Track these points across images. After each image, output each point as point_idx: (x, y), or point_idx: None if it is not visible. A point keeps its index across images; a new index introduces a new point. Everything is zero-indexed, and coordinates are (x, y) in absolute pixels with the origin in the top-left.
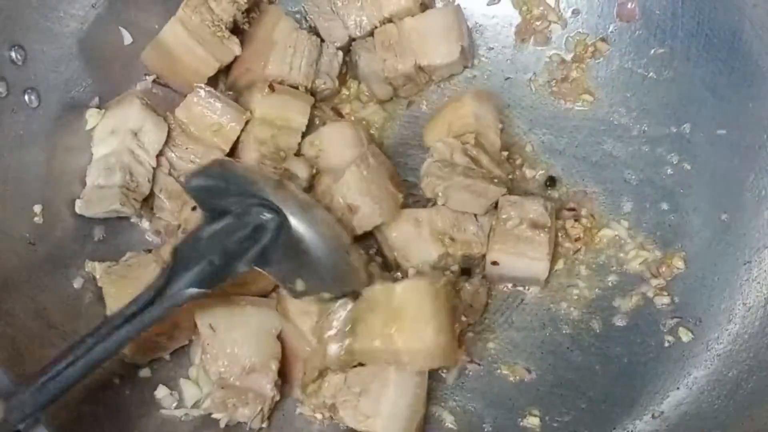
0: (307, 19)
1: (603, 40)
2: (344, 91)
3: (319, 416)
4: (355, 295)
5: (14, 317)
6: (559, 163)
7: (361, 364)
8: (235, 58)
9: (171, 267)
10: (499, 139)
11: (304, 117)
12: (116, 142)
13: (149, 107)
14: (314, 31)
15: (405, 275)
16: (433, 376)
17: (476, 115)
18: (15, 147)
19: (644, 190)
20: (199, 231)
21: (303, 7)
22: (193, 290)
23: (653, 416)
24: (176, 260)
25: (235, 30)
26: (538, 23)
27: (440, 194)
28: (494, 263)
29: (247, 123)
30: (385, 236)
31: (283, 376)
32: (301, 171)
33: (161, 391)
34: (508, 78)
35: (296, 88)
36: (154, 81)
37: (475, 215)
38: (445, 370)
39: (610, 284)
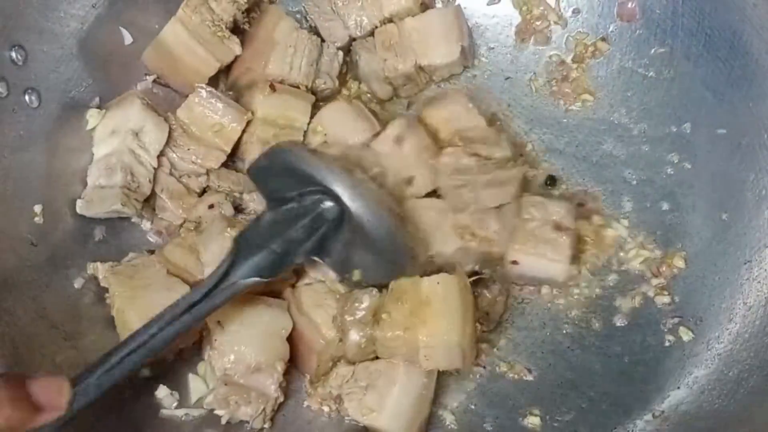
0: (308, 18)
1: (603, 39)
2: (344, 91)
3: (326, 409)
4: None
5: (14, 317)
6: (559, 163)
7: (374, 358)
8: (236, 58)
9: (233, 255)
10: (478, 116)
11: (306, 116)
12: (117, 142)
13: (150, 107)
14: (315, 30)
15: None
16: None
17: (445, 119)
18: (15, 147)
19: (644, 190)
20: (261, 219)
21: (303, 6)
22: (254, 279)
23: (654, 416)
24: (238, 248)
25: (236, 30)
26: (538, 23)
27: (470, 199)
28: (514, 263)
29: (248, 123)
30: (413, 218)
31: (296, 368)
32: None
33: (162, 391)
34: (508, 78)
35: (297, 87)
36: (154, 81)
37: (500, 214)
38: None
39: (610, 284)
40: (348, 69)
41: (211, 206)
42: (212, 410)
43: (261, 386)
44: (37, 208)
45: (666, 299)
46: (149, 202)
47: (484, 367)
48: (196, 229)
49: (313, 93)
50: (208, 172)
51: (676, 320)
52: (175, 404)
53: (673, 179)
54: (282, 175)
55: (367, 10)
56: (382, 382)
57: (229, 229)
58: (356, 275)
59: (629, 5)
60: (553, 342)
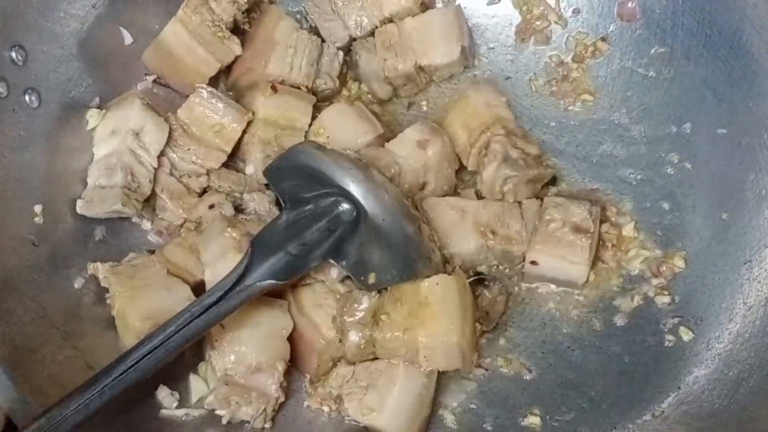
0: (308, 19)
1: (603, 39)
2: (344, 92)
3: (326, 409)
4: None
5: (15, 317)
6: (559, 163)
7: (374, 358)
8: (236, 59)
9: (249, 257)
10: (509, 111)
11: (307, 117)
12: (117, 142)
13: (150, 107)
14: (315, 31)
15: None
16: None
17: (486, 103)
18: (16, 147)
19: (644, 190)
20: (277, 221)
21: (303, 7)
22: (270, 282)
23: (654, 415)
24: (254, 250)
25: (236, 30)
26: (538, 23)
27: (509, 191)
28: (533, 263)
29: (249, 124)
30: (428, 219)
31: (296, 368)
32: None
33: (162, 391)
34: (508, 78)
35: (297, 88)
36: (154, 81)
37: (521, 213)
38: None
39: (610, 283)
40: (348, 69)
41: (211, 206)
42: (213, 410)
43: (262, 386)
44: (38, 208)
45: (666, 299)
46: (149, 202)
47: (485, 368)
48: (197, 229)
49: (314, 93)
50: (208, 172)
51: (676, 320)
52: (175, 404)
53: (673, 179)
54: (298, 176)
55: (367, 10)
56: (382, 382)
57: (229, 229)
58: (372, 278)
59: (629, 5)
60: (553, 342)
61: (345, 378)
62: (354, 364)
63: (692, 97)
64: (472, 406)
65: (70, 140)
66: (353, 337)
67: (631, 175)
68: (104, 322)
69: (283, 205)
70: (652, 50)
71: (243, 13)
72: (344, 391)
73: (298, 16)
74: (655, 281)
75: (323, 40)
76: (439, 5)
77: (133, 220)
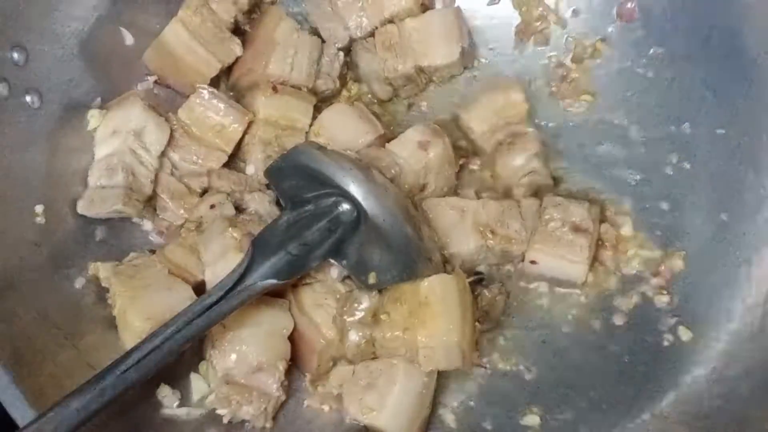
0: (308, 19)
1: (602, 40)
2: (344, 93)
3: (326, 408)
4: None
5: (15, 317)
6: (559, 163)
7: (374, 358)
8: (237, 59)
9: (250, 257)
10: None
11: (308, 117)
12: (118, 142)
13: (151, 108)
14: (315, 31)
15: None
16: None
17: (526, 101)
18: (16, 147)
19: (643, 190)
20: (278, 221)
21: (304, 7)
22: (270, 281)
23: (653, 415)
24: (255, 250)
25: (237, 31)
26: (537, 24)
27: (524, 185)
28: (533, 262)
29: (250, 124)
30: (428, 219)
31: (297, 368)
32: None
33: (163, 390)
34: (506, 78)
35: (298, 88)
36: (155, 81)
37: (521, 213)
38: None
39: (610, 283)
40: (348, 70)
41: (212, 206)
42: (214, 409)
43: (263, 385)
44: (38, 209)
45: (665, 299)
46: (150, 202)
47: (485, 368)
48: (197, 230)
49: (314, 94)
50: (209, 173)
51: (676, 320)
52: (176, 403)
53: (673, 179)
54: (299, 176)
55: (367, 11)
56: (382, 382)
57: (230, 229)
58: (372, 278)
59: (629, 5)
60: (553, 342)
61: (345, 377)
62: (354, 363)
63: (692, 97)
64: (472, 405)
65: (71, 140)
66: (353, 336)
67: (631, 176)
68: (105, 322)
69: (283, 205)
70: (652, 50)
71: (244, 13)
72: (344, 391)
73: (299, 16)
74: (654, 281)
75: (324, 41)
76: (439, 6)
77: (134, 220)
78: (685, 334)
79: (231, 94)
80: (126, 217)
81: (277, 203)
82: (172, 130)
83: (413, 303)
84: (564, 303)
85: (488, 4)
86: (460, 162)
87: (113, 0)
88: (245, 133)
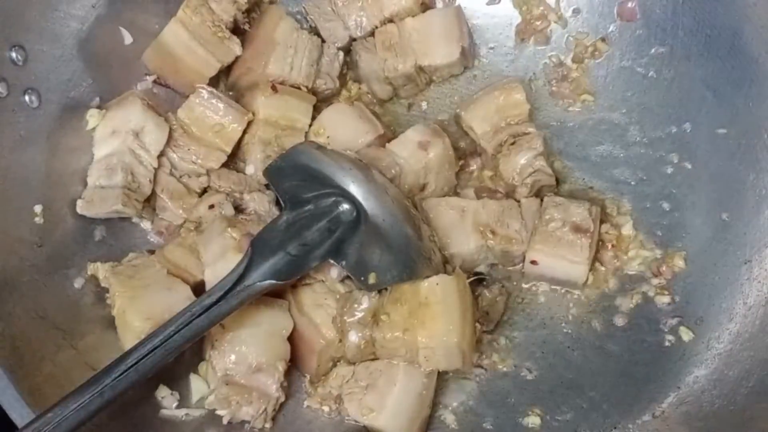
0: (308, 19)
1: (603, 39)
2: (344, 93)
3: (326, 409)
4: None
5: (14, 317)
6: (559, 163)
7: (374, 358)
8: (236, 59)
9: (249, 257)
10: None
11: (307, 117)
12: (117, 142)
13: (150, 107)
14: (315, 31)
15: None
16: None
17: (527, 101)
18: (15, 147)
19: (644, 190)
20: (277, 221)
21: (304, 7)
22: (269, 282)
23: (654, 415)
24: (254, 250)
25: (236, 30)
26: (538, 23)
27: (527, 185)
28: (533, 262)
29: (250, 124)
30: (428, 219)
31: (296, 368)
32: None
33: (162, 391)
34: (508, 78)
35: (298, 88)
36: (154, 81)
37: (521, 213)
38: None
39: (610, 283)
40: (348, 69)
41: (211, 206)
42: (213, 410)
43: (262, 386)
44: (38, 209)
45: (666, 299)
46: (149, 202)
47: (485, 368)
48: (197, 230)
49: (314, 93)
50: (208, 173)
51: (676, 320)
52: (175, 404)
53: (673, 179)
54: (298, 176)
55: (367, 10)
56: (382, 382)
57: (229, 229)
58: (372, 278)
59: (629, 5)
60: (553, 342)
61: (345, 378)
62: (354, 364)
63: (692, 97)
64: (472, 406)
65: (70, 140)
66: (353, 337)
67: (631, 175)
68: (104, 322)
69: (283, 205)
70: (652, 50)
71: (243, 13)
72: (344, 391)
73: (299, 16)
74: (655, 281)
75: (323, 41)
76: (439, 5)
77: (133, 220)
78: (685, 334)
79: (230, 93)
80: (125, 217)
81: (277, 203)
82: (171, 130)
83: (413, 303)
84: (564, 303)
85: (488, 4)
86: (460, 162)
87: (112, 0)
88: (245, 132)
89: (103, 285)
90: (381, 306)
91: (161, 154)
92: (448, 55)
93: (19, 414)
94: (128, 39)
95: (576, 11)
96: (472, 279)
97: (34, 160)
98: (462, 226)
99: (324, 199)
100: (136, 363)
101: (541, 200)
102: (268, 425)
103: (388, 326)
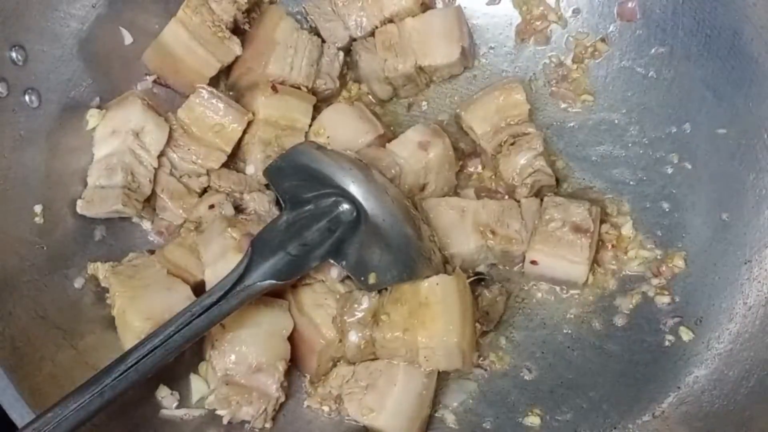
0: (308, 19)
1: (603, 40)
2: (344, 93)
3: (326, 409)
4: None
5: (14, 317)
6: (559, 163)
7: (374, 358)
8: (236, 59)
9: (249, 257)
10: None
11: (307, 117)
12: (117, 142)
13: (150, 107)
14: (315, 31)
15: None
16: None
17: (527, 101)
18: (15, 147)
19: (644, 190)
20: (277, 221)
21: (304, 7)
22: (269, 282)
23: (654, 415)
24: (254, 250)
25: (236, 30)
26: (538, 23)
27: (527, 185)
28: (533, 263)
29: (250, 124)
30: (428, 219)
31: (296, 368)
32: None
33: (162, 391)
34: (508, 78)
35: (298, 88)
36: (154, 81)
37: (521, 213)
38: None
39: (610, 283)
40: (348, 70)
41: (211, 206)
42: (213, 410)
43: (262, 386)
44: (38, 208)
45: (666, 299)
46: (150, 202)
47: (485, 368)
48: (197, 229)
49: (314, 93)
50: (208, 173)
51: (676, 320)
52: (175, 404)
53: (673, 179)
54: (298, 176)
55: (367, 10)
56: (382, 382)
57: (229, 229)
58: (372, 278)
59: (629, 5)
60: (553, 342)
61: (345, 378)
62: (354, 364)
63: (692, 97)
64: (472, 405)
65: (70, 140)
66: (353, 337)
67: (631, 175)
68: (104, 322)
69: (283, 205)
70: (652, 50)
71: (243, 13)
72: (344, 391)
73: (299, 16)
74: (655, 281)
75: (323, 41)
76: (439, 5)
77: (134, 220)
78: (685, 334)
79: (230, 93)
80: (125, 217)
81: (277, 203)
82: (171, 130)
83: (413, 303)
84: (564, 303)
85: (488, 4)
86: (460, 162)
87: (112, 0)
88: (245, 132)
89: (103, 285)
90: (381, 306)
91: (161, 154)
92: (448, 55)
93: (19, 414)
94: (128, 39)
95: (576, 11)
96: (472, 279)
97: (34, 160)
98: (462, 226)
99: (324, 199)
100: (136, 363)
101: (541, 200)
102: (268, 425)
103: (388, 326)
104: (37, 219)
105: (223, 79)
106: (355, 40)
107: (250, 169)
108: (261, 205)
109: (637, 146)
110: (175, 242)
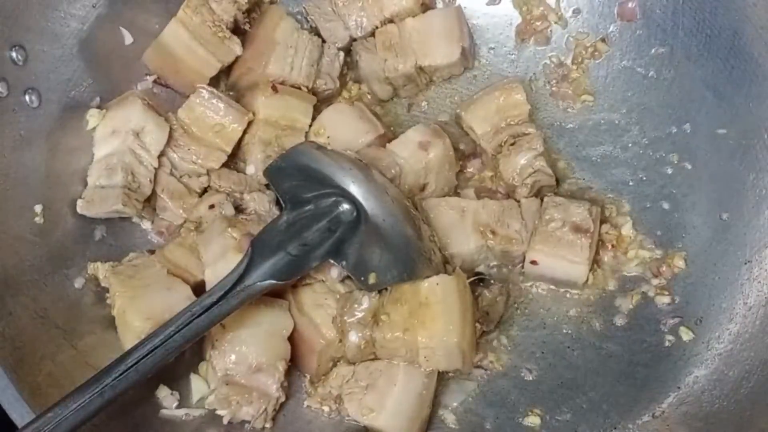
0: (308, 19)
1: (603, 40)
2: (344, 94)
3: (326, 409)
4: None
5: (15, 317)
6: (559, 163)
7: (374, 358)
8: (236, 59)
9: (249, 257)
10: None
11: (308, 117)
12: (117, 142)
13: (151, 107)
14: (315, 31)
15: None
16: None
17: (527, 101)
18: (15, 147)
19: (644, 190)
20: (278, 221)
21: (304, 7)
22: (269, 282)
23: (654, 415)
24: (254, 250)
25: (236, 30)
26: (538, 23)
27: (527, 185)
28: (533, 263)
29: (250, 124)
30: (428, 220)
31: (296, 368)
32: None
33: (162, 391)
34: (508, 78)
35: (298, 88)
36: (155, 81)
37: (521, 213)
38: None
39: (610, 284)
40: (348, 70)
41: (211, 206)
42: (213, 410)
43: (262, 386)
44: (38, 208)
45: (666, 299)
46: (150, 202)
47: (485, 368)
48: (197, 229)
49: (314, 94)
50: (208, 173)
51: (676, 320)
52: (175, 404)
53: (673, 179)
54: (298, 176)
55: (367, 10)
56: (382, 382)
57: (229, 229)
58: (372, 278)
59: (629, 5)
60: (553, 342)
61: (345, 378)
62: (354, 364)
63: (692, 97)
64: (473, 406)
65: (70, 140)
66: (353, 337)
67: (631, 176)
68: (104, 322)
69: (283, 205)
70: (652, 50)
71: (243, 13)
72: (344, 391)
73: (299, 16)
74: (655, 281)
75: (324, 41)
76: (439, 6)
77: (134, 220)
78: (686, 334)
79: (231, 93)
80: (125, 217)
81: (277, 203)
82: (171, 130)
83: (413, 304)
84: (564, 303)
85: (488, 4)
86: (460, 162)
87: (113, 0)
88: (245, 132)
89: (103, 285)
90: (381, 306)
91: (161, 154)
92: (448, 56)
93: (19, 414)
94: (128, 39)
95: (576, 11)
96: (472, 279)
97: (34, 160)
98: (462, 226)
99: (324, 199)
100: (136, 363)
101: (541, 200)
102: (268, 425)
103: (388, 326)
104: (37, 219)
105: (223, 79)
106: (355, 40)
107: (250, 169)
108: (261, 205)
109: (637, 146)
110: (176, 242)
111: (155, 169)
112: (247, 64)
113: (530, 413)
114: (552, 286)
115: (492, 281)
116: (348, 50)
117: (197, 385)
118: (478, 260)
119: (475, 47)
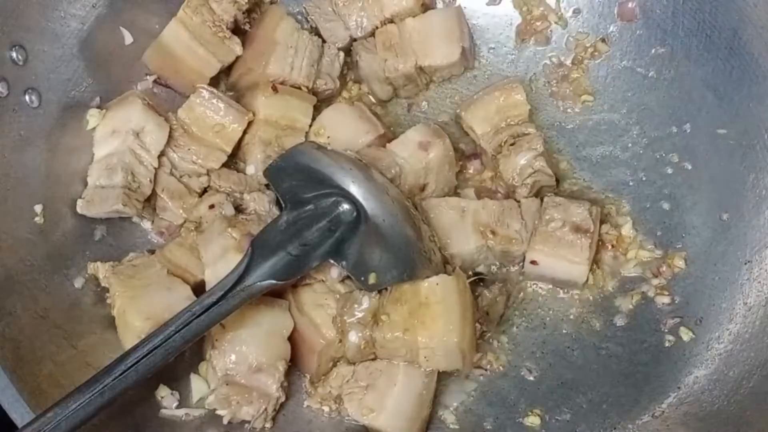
0: (309, 19)
1: (603, 40)
2: (344, 94)
3: (326, 409)
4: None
5: (15, 317)
6: (559, 163)
7: (374, 358)
8: (237, 59)
9: (249, 257)
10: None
11: (308, 117)
12: (117, 142)
13: (151, 107)
14: (315, 31)
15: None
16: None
17: (527, 101)
18: (15, 147)
19: (644, 190)
20: (278, 221)
21: (304, 7)
22: (269, 282)
23: (654, 416)
24: (254, 250)
25: (237, 30)
26: (538, 23)
27: (527, 185)
28: (533, 263)
29: (250, 124)
30: (428, 220)
31: (296, 368)
32: None
33: (162, 391)
34: (508, 78)
35: (298, 88)
36: (155, 81)
37: (521, 213)
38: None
39: (610, 284)
40: (348, 70)
41: (211, 206)
42: (213, 410)
43: (262, 386)
44: (38, 208)
45: (666, 299)
46: (150, 202)
47: (485, 368)
48: (197, 229)
49: (314, 94)
50: (208, 173)
51: (676, 320)
52: (176, 404)
53: (673, 179)
54: (299, 176)
55: (367, 10)
56: (382, 382)
57: (229, 229)
58: (372, 278)
59: (629, 5)
60: (553, 342)
61: (345, 378)
62: (354, 364)
63: (692, 97)
64: (472, 406)
65: (70, 140)
66: (353, 337)
67: (631, 176)
68: (104, 322)
69: (283, 205)
70: (653, 50)
71: (244, 13)
72: (344, 391)
73: (299, 16)
74: (655, 281)
75: (324, 41)
76: (439, 6)
77: (134, 220)
78: (686, 334)
79: (231, 93)
80: (125, 217)
81: (277, 203)
82: (171, 130)
83: (413, 304)
84: (564, 303)
85: (488, 4)
86: (460, 162)
87: (113, 0)
88: (245, 133)
89: (103, 285)
90: (381, 306)
91: (161, 154)
92: (448, 56)
93: (19, 414)
94: (129, 39)
95: (576, 12)
96: (472, 279)
97: (34, 159)
98: (462, 227)
99: (324, 199)
100: (136, 363)
101: (541, 200)
102: (268, 425)
103: (388, 326)
104: (37, 219)
105: (223, 79)
106: (355, 40)
107: (250, 169)
108: (261, 205)
109: (637, 146)
110: (176, 242)
111: (155, 169)
112: (247, 64)
113: (530, 413)
114: (552, 286)
115: (492, 281)
116: (348, 50)
117: (197, 385)
118: (478, 260)
119: (475, 47)
